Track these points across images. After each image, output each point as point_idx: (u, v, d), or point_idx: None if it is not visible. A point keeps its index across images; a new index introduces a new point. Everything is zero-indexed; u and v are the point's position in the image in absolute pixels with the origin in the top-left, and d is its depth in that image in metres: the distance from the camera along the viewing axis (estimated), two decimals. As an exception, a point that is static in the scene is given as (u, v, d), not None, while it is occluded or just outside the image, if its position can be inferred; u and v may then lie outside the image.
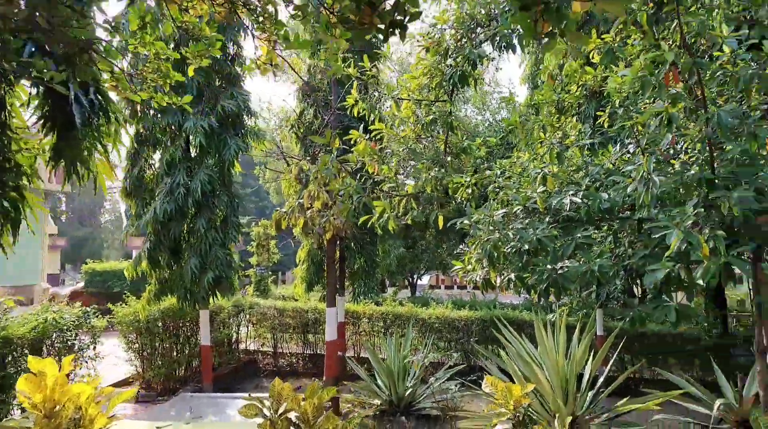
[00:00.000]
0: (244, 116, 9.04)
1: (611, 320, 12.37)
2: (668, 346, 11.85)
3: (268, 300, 13.95)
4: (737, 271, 3.97)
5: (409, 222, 5.69)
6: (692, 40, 4.15)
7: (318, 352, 12.72)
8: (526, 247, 4.78)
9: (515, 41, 5.36)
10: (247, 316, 13.21)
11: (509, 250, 5.02)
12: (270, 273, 19.39)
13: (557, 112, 7.61)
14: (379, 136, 6.15)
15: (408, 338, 9.36)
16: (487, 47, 5.82)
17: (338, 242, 11.46)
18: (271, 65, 3.58)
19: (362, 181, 5.59)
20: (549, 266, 4.52)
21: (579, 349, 7.31)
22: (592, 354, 7.96)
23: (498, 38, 5.44)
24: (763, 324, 5.07)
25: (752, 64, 3.61)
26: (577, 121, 7.80)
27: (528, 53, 16.26)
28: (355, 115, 5.84)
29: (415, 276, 31.39)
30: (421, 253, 25.50)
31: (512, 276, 5.06)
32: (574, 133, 6.75)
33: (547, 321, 8.96)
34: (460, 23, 5.58)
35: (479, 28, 5.78)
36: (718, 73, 3.96)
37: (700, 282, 3.94)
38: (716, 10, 3.88)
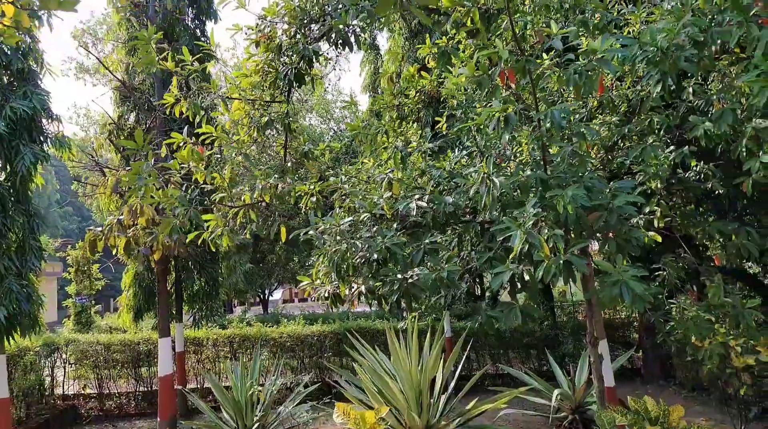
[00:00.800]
0: (44, 120, 7.62)
1: (458, 321, 12.83)
2: (508, 341, 12.59)
3: (90, 334, 12.09)
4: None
5: (248, 236, 5.09)
6: (526, 39, 4.22)
7: (153, 388, 11.29)
8: (375, 256, 4.47)
9: (352, 38, 5.08)
10: (64, 356, 11.29)
11: (358, 260, 4.68)
12: (93, 302, 17.02)
13: (398, 117, 7.56)
14: (209, 141, 5.45)
15: (256, 362, 8.63)
16: (324, 45, 5.46)
17: (173, 262, 10.29)
18: (19, 31, 2.80)
19: (189, 191, 4.86)
20: (399, 275, 4.26)
21: (431, 355, 7.26)
22: (443, 358, 8.01)
23: (333, 35, 5.12)
24: (593, 317, 5.38)
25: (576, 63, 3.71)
26: (417, 126, 7.83)
27: (368, 61, 16.49)
28: (177, 115, 5.09)
29: (267, 292, 30.19)
30: (272, 267, 24.52)
31: (362, 288, 4.72)
32: (416, 139, 6.71)
33: (399, 329, 8.84)
34: (293, 17, 5.15)
35: (313, 24, 5.41)
36: (546, 74, 4.03)
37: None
38: (552, 8, 3.99)
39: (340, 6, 5.20)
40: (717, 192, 5.84)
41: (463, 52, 4.91)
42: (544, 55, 4.77)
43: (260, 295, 29.49)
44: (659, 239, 5.35)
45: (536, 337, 12.57)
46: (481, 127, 4.09)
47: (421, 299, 5.46)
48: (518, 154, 5.80)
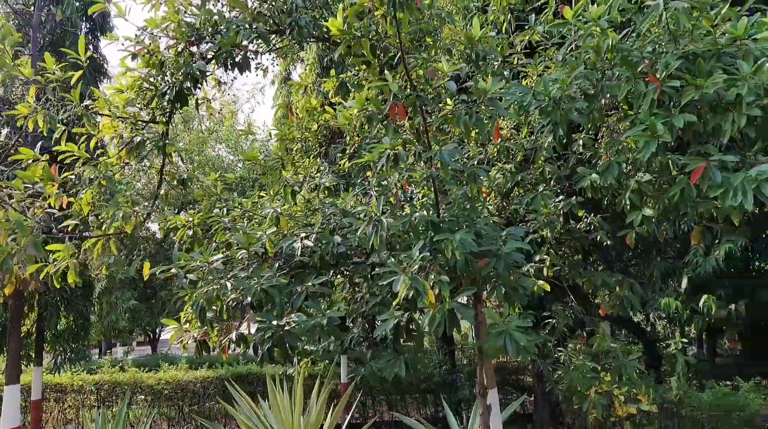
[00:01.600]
0: None
1: (356, 365, 12.37)
2: (405, 386, 12.28)
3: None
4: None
5: (105, 273, 4.42)
6: (420, 77, 4.07)
7: (-1, 443, 9.68)
8: (249, 298, 4.00)
9: (246, 60, 4.71)
10: None
11: (230, 303, 4.18)
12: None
13: (302, 150, 7.23)
14: (70, 160, 4.77)
15: (121, 413, 7.62)
16: (214, 66, 5.05)
17: (37, 298, 9.04)
18: None
19: (32, 216, 4.15)
20: (274, 322, 3.81)
21: (317, 403, 6.75)
22: (334, 405, 7.52)
23: (224, 55, 4.73)
24: (483, 366, 5.19)
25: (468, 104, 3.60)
26: (321, 161, 7.54)
27: (281, 95, 16.14)
28: (31, 129, 4.40)
29: (158, 331, 27.98)
30: (162, 304, 22.76)
31: (233, 335, 4.21)
32: (315, 173, 6.39)
33: (288, 375, 8.26)
34: (179, 33, 4.70)
35: (203, 43, 4.99)
36: (441, 114, 3.88)
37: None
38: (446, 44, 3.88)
39: (234, 26, 4.84)
40: (605, 243, 5.99)
41: (363, 80, 4.71)
42: (445, 97, 4.68)
43: (149, 335, 27.25)
44: (548, 288, 5.33)
45: (434, 381, 12.37)
46: (373, 164, 3.84)
47: (298, 348, 5.01)
48: (419, 195, 5.64)
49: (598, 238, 5.76)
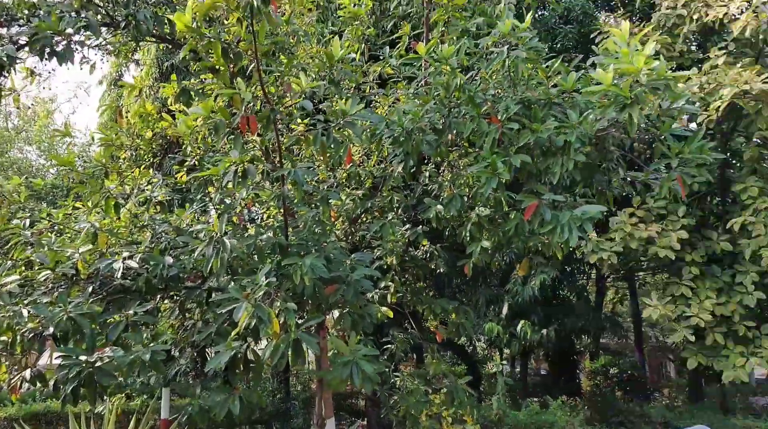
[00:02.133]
0: None
1: (179, 399, 11.29)
2: (235, 418, 11.52)
3: None
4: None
5: None
6: (273, 93, 3.85)
7: None
8: (52, 329, 3.34)
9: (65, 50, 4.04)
10: None
11: (26, 333, 3.45)
12: None
13: (131, 159, 6.44)
14: None
15: None
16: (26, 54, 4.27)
17: None
18: None
19: None
20: (83, 357, 3.21)
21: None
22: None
23: (41, 41, 4.02)
24: (323, 395, 5.00)
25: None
26: (153, 172, 6.81)
27: (109, 97, 14.52)
28: None
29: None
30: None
31: (27, 373, 3.47)
32: (146, 186, 5.72)
33: (98, 412, 7.21)
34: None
35: (15, 25, 4.22)
36: (294, 132, 3.70)
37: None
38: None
39: (58, 11, 4.16)
40: (439, 271, 6.26)
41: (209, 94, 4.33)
42: (299, 116, 4.51)
43: None
44: (391, 315, 5.37)
45: (266, 412, 11.79)
46: (216, 179, 3.49)
47: (111, 387, 4.35)
48: (264, 216, 5.32)
49: (435, 265, 6.00)
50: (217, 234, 3.55)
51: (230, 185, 3.23)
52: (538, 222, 3.79)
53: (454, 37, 4.60)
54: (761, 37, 7.75)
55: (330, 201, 3.89)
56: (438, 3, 4.92)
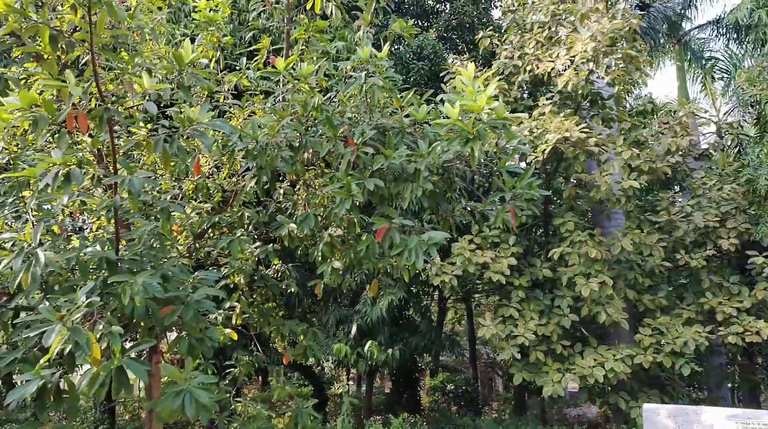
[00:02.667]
0: None
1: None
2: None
3: None
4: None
5: None
6: (111, 90, 3.47)
7: None
8: None
9: None
10: None
11: None
12: None
13: None
14: None
15: None
16: None
17: None
18: None
19: None
20: None
21: None
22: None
23: None
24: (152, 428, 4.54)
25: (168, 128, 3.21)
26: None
27: None
28: None
29: None
30: None
31: None
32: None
33: None
34: None
35: None
36: (134, 136, 3.37)
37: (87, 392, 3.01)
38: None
39: None
40: (290, 290, 6.13)
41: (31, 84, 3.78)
42: (141, 119, 4.13)
43: None
44: (236, 337, 5.10)
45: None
46: (32, 181, 3.03)
47: None
48: (93, 226, 4.76)
49: (286, 285, 5.87)
50: (29, 244, 3.07)
51: (50, 189, 2.82)
52: (388, 244, 3.89)
53: (314, 57, 4.61)
54: (579, 92, 8.96)
55: (172, 213, 3.60)
56: (299, 22, 4.91)
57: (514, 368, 9.43)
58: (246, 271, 4.93)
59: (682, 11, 16.38)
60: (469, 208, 4.52)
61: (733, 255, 9.63)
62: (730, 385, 14.56)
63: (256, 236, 5.31)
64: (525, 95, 10.29)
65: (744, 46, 15.49)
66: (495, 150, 3.89)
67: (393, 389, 16.62)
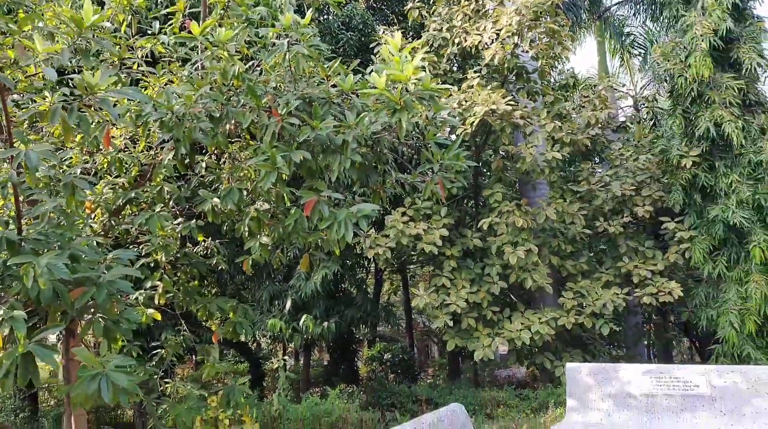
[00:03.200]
0: None
1: None
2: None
3: None
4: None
5: None
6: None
7: None
8: None
9: None
10: None
11: None
12: None
13: None
14: None
15: None
16: None
17: None
18: None
19: None
20: None
21: None
22: None
23: None
24: (73, 414, 4.32)
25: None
26: None
27: None
28: None
29: None
30: None
31: None
32: None
33: None
34: None
35: None
36: (34, 106, 3.08)
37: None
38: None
39: None
40: (220, 268, 5.95)
41: None
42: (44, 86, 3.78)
43: None
44: (159, 318, 4.91)
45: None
46: None
47: None
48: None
49: (215, 262, 5.69)
50: None
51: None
52: (317, 218, 3.83)
53: (235, 23, 4.38)
54: (506, 65, 9.12)
55: (81, 189, 3.35)
56: (219, -16, 4.63)
57: (448, 335, 9.71)
58: (168, 248, 4.72)
59: (604, -13, 16.95)
60: (399, 181, 4.51)
61: (648, 221, 10.27)
62: (646, 342, 15.75)
63: (178, 212, 5.08)
64: (454, 68, 10.37)
65: (660, 23, 16.28)
66: (425, 122, 3.89)
67: (331, 361, 16.75)
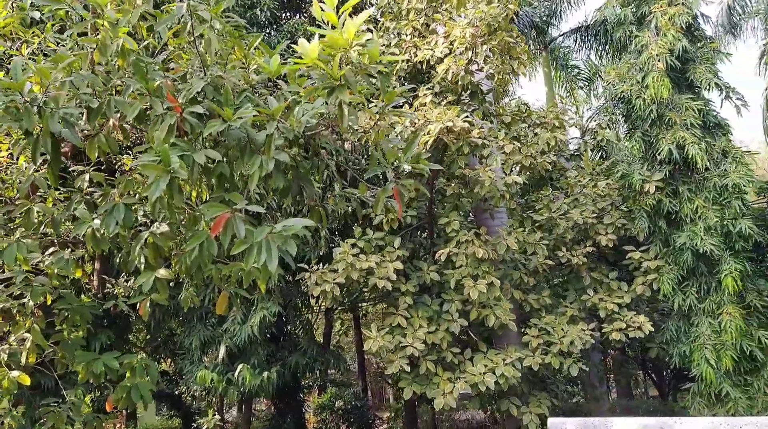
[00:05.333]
0: None
1: None
2: None
3: None
4: None
5: None
6: None
7: None
8: None
9: None
10: None
11: None
12: None
13: None
14: None
15: None
16: None
17: None
18: None
19: None
20: None
21: None
22: None
23: None
24: None
25: None
26: None
27: None
28: None
29: None
30: None
31: None
32: None
33: None
34: None
35: None
36: None
37: None
38: None
39: None
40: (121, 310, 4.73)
41: None
42: None
43: None
44: (28, 382, 3.66)
45: None
46: None
47: None
48: None
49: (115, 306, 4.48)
50: None
51: None
52: (229, 241, 2.80)
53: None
54: (459, 83, 8.46)
55: None
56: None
57: (404, 381, 8.63)
58: (36, 289, 3.52)
59: (547, 19, 16.99)
60: (345, 195, 3.55)
61: (610, 251, 9.70)
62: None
63: (57, 240, 3.90)
64: (405, 85, 9.64)
65: (605, 55, 16.34)
66: (371, 117, 2.97)
67: (276, 412, 15.18)
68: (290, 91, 3.11)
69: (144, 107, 2.97)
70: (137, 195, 3.38)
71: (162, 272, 3.30)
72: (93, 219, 3.30)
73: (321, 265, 8.85)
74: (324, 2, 2.50)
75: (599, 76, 19.81)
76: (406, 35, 8.92)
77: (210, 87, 3.12)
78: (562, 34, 17.26)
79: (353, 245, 8.63)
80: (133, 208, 3.38)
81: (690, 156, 8.36)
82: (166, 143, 2.79)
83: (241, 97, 3.06)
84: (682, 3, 8.65)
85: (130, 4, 3.30)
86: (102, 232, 3.31)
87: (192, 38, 3.10)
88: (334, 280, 8.42)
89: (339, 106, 2.61)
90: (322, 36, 2.51)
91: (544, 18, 16.92)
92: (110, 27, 2.94)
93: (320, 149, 3.19)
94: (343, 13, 2.50)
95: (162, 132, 2.86)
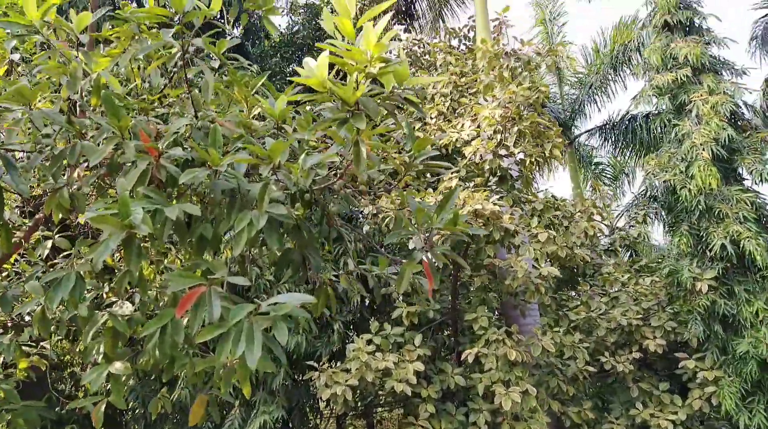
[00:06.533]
0: None
1: None
2: None
3: None
4: None
5: None
6: None
7: None
8: None
9: None
10: None
11: None
12: None
13: None
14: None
15: None
16: None
17: None
18: None
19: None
20: None
21: None
22: None
23: None
24: None
25: None
26: None
27: None
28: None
29: None
30: None
31: None
32: None
33: None
34: None
35: None
36: None
37: None
38: None
39: None
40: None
41: None
42: None
43: None
44: None
45: None
46: None
47: None
48: None
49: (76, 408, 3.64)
50: None
51: None
52: (199, 324, 2.06)
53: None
54: (487, 166, 7.95)
55: None
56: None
57: None
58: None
59: (573, 116, 16.90)
60: (358, 272, 2.83)
61: (657, 358, 8.57)
62: None
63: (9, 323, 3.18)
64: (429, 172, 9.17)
65: (628, 151, 15.97)
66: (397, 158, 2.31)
67: None
68: (299, 140, 2.50)
69: (113, 152, 2.36)
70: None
71: (118, 366, 2.52)
72: (40, 295, 2.60)
73: (333, 363, 7.90)
74: (338, 5, 1.94)
75: (624, 172, 19.41)
76: (431, 118, 8.59)
77: (200, 132, 2.53)
78: (587, 131, 17.07)
79: (369, 341, 7.70)
80: (94, 279, 2.69)
81: (747, 252, 7.50)
82: (129, 191, 2.15)
83: (236, 142, 2.45)
84: (724, 92, 8.23)
85: (122, 44, 2.83)
86: (50, 310, 2.59)
87: (184, 76, 2.56)
88: (347, 381, 7.42)
89: (355, 145, 1.97)
90: (334, 54, 1.94)
91: (569, 113, 16.85)
92: (84, 56, 2.42)
93: (327, 204, 2.51)
94: (361, 26, 1.92)
95: (130, 181, 2.23)
